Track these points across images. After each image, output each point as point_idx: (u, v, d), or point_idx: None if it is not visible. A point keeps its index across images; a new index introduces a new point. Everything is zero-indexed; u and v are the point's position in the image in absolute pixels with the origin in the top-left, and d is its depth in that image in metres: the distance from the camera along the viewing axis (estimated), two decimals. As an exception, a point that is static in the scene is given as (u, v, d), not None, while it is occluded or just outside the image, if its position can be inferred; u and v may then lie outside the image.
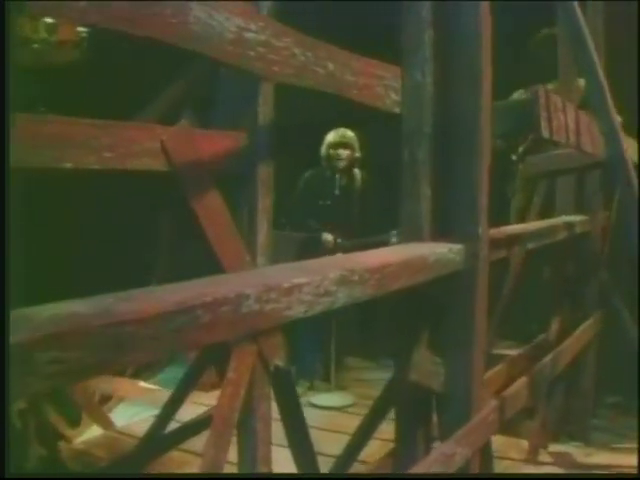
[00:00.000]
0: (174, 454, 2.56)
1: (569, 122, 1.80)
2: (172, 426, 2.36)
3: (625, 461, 2.68)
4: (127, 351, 0.67)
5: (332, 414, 3.56)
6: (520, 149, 3.57)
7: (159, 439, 2.31)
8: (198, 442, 2.34)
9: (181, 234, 3.93)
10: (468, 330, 1.56)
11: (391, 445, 1.90)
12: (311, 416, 2.10)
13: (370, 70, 1.43)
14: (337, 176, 3.97)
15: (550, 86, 3.29)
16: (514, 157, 3.57)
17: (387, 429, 1.90)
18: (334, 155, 3.93)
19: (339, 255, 3.72)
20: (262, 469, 1.94)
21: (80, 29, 2.20)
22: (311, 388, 3.95)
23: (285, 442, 2.03)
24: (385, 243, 3.65)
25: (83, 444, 3.13)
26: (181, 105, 1.93)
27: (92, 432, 3.28)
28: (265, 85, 1.88)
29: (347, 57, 1.36)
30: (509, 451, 2.87)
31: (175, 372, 3.72)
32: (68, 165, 1.41)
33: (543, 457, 2.88)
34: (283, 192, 1.99)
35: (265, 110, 1.89)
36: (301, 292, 1.01)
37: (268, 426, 1.97)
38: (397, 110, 1.57)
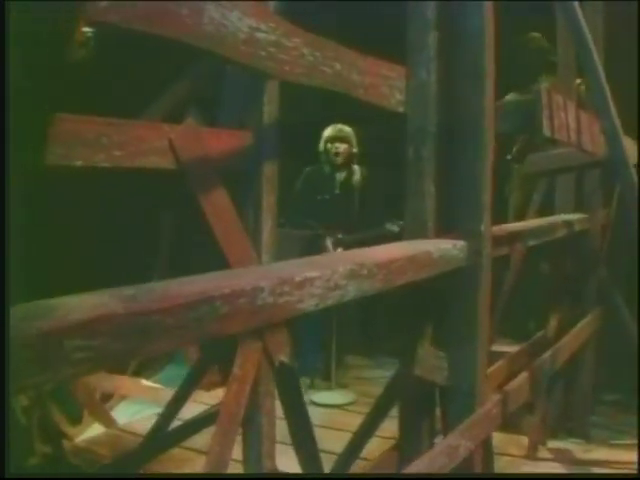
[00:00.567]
0: (175, 451, 2.57)
1: (570, 121, 1.83)
2: (174, 424, 2.37)
3: (624, 457, 2.70)
4: (152, 339, 0.70)
5: (333, 412, 3.58)
6: (514, 148, 3.60)
7: (161, 437, 2.33)
8: (199, 440, 2.37)
9: (181, 233, 3.95)
10: (472, 325, 1.59)
11: (392, 442, 1.92)
12: (312, 414, 2.11)
13: (376, 70, 1.45)
14: (336, 172, 4.00)
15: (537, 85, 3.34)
16: (509, 156, 3.60)
17: (388, 427, 1.93)
18: (332, 149, 3.95)
19: (340, 250, 3.77)
20: (266, 464, 1.97)
21: (86, 29, 2.21)
22: (312, 386, 3.97)
23: (288, 440, 2.05)
24: (384, 235, 3.71)
25: (85, 442, 3.14)
26: (186, 103, 1.95)
27: (94, 430, 3.30)
28: (270, 84, 1.90)
29: (354, 57, 1.38)
30: (508, 447, 2.89)
31: (175, 370, 3.74)
32: (78, 163, 1.43)
33: (542, 453, 2.90)
34: (282, 191, 2.01)
35: (270, 109, 1.92)
36: (313, 285, 1.03)
37: (273, 422, 1.99)
38: (401, 109, 1.60)
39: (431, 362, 1.64)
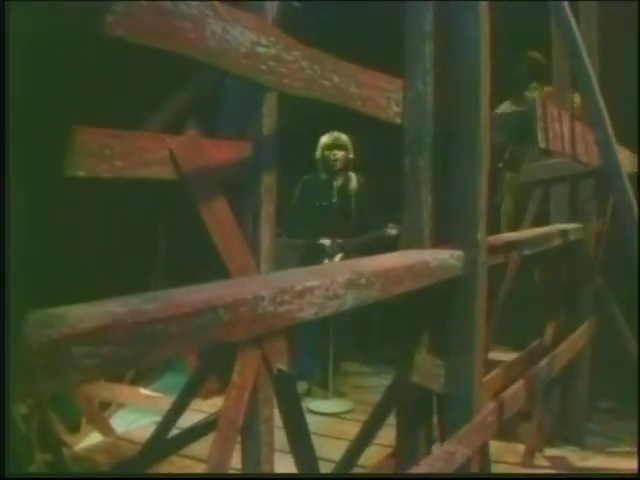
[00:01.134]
0: (173, 459, 2.58)
1: (565, 131, 1.86)
2: (172, 433, 2.38)
3: (621, 465, 2.72)
4: (157, 346, 0.72)
5: (330, 420, 3.58)
6: (505, 156, 3.63)
7: (159, 445, 2.34)
8: (197, 448, 2.38)
9: (178, 239, 3.97)
10: (468, 333, 1.61)
11: (390, 450, 1.94)
12: (309, 422, 2.13)
13: (374, 82, 1.48)
14: (333, 179, 4.04)
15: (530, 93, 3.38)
16: (500, 165, 3.63)
17: (385, 434, 1.94)
18: (329, 156, 3.99)
19: (340, 256, 3.81)
20: (265, 472, 1.97)
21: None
22: (308, 394, 3.98)
23: (287, 448, 2.06)
24: (382, 238, 3.75)
25: (83, 450, 3.15)
26: (187, 114, 1.97)
27: (92, 438, 3.30)
28: (269, 95, 1.93)
29: (352, 70, 1.40)
30: (505, 455, 2.91)
31: (173, 378, 3.74)
32: (81, 174, 1.45)
33: (539, 461, 2.92)
34: (279, 201, 2.03)
35: (269, 120, 1.94)
36: (312, 295, 1.05)
37: (271, 429, 2.00)
38: (398, 121, 1.62)
39: (428, 369, 1.66)
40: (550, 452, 2.99)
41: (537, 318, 3.12)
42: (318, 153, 4.05)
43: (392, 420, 1.84)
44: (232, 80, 1.98)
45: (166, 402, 2.74)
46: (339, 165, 4.00)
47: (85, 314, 0.72)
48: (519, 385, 2.06)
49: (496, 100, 2.63)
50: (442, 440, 1.67)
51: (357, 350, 4.58)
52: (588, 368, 3.17)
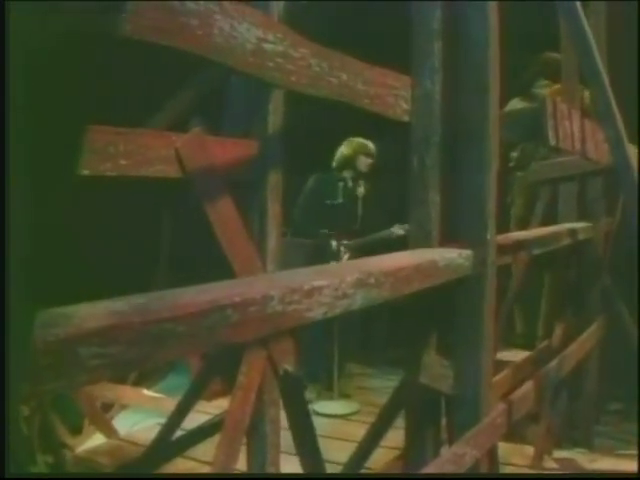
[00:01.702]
0: (177, 461, 2.57)
1: (574, 130, 1.84)
2: (176, 434, 2.37)
3: (629, 467, 2.69)
4: (165, 347, 0.70)
5: (336, 422, 3.56)
6: (515, 156, 3.61)
7: (163, 447, 2.32)
8: (201, 449, 2.36)
9: (182, 237, 3.96)
10: (477, 333, 1.59)
11: (396, 453, 1.92)
12: (315, 424, 2.11)
13: (381, 80, 1.46)
14: (351, 181, 4.06)
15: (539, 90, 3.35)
16: (510, 164, 3.61)
17: (392, 437, 1.92)
18: (364, 162, 4.03)
19: (347, 256, 3.82)
20: (271, 472, 1.96)
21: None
22: (318, 396, 3.95)
23: (293, 449, 2.04)
24: (388, 238, 3.77)
25: (86, 452, 3.13)
26: (192, 112, 1.96)
27: (95, 440, 3.29)
28: (275, 93, 1.91)
29: (360, 67, 1.39)
30: (513, 457, 2.89)
31: (177, 380, 3.73)
32: (85, 172, 1.43)
33: (548, 463, 2.89)
34: (286, 200, 2.02)
35: (275, 118, 1.93)
36: (321, 294, 1.03)
37: (277, 430, 1.99)
38: (406, 119, 1.60)
39: (436, 370, 1.64)
40: (558, 454, 2.97)
41: (545, 318, 3.10)
42: (350, 154, 4.06)
43: (399, 422, 1.82)
44: (237, 78, 1.97)
45: (169, 403, 2.73)
46: (368, 170, 4.05)
47: (91, 314, 0.71)
48: (528, 386, 2.04)
49: (504, 98, 2.61)
50: (450, 442, 1.65)
51: (361, 351, 4.56)
52: (596, 370, 3.15)
